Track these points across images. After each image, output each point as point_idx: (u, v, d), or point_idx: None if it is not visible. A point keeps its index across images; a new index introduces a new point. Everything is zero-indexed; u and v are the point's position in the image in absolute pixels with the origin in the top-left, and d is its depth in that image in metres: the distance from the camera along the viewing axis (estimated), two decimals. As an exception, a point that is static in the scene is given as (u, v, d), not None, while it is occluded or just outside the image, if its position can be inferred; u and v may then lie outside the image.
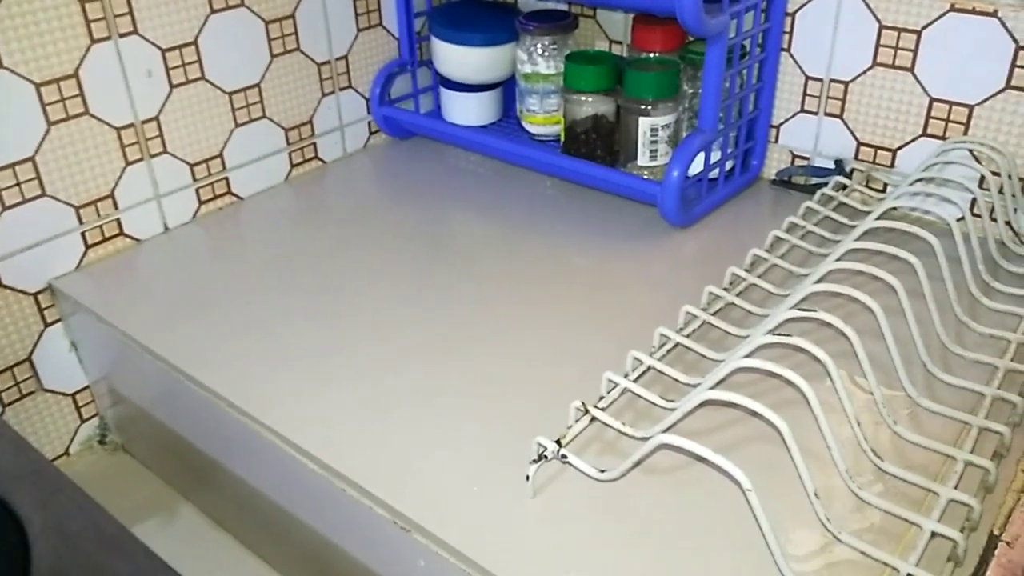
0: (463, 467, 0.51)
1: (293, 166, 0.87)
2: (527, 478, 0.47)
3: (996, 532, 0.46)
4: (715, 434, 0.52)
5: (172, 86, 0.74)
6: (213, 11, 0.75)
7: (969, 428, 0.50)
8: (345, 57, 0.88)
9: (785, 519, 0.46)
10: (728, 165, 0.79)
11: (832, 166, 0.78)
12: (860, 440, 0.46)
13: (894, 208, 0.74)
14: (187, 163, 0.77)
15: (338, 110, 0.89)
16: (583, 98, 0.79)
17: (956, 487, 0.46)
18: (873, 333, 0.50)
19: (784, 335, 0.46)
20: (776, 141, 0.82)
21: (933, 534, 0.43)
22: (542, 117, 0.86)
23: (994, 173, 0.66)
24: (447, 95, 0.91)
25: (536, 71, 0.84)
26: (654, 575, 0.44)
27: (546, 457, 0.47)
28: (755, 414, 0.42)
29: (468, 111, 0.90)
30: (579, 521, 0.47)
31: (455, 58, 0.87)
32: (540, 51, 0.83)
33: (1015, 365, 0.54)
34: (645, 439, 0.46)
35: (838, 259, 0.56)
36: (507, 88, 0.91)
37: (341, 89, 0.89)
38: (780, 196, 0.81)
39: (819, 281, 0.53)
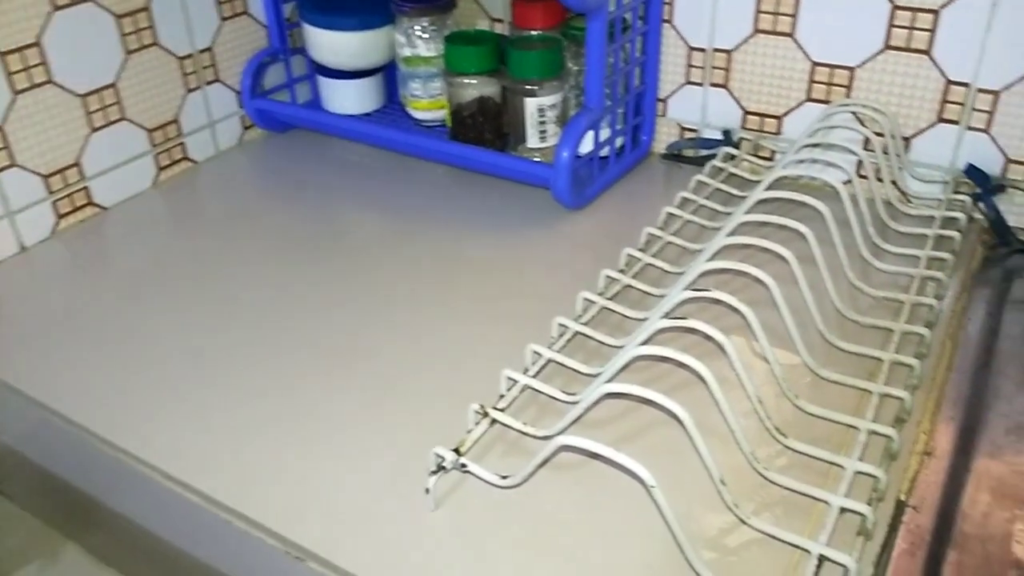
0: (360, 485, 0.48)
1: (160, 169, 0.81)
2: (427, 491, 0.44)
3: (903, 498, 0.46)
4: (619, 422, 0.51)
5: (15, 92, 0.67)
6: (56, 8, 0.68)
7: (870, 395, 0.50)
8: (210, 49, 0.82)
9: (695, 504, 0.45)
10: (618, 142, 0.77)
11: (721, 137, 0.78)
12: (763, 418, 0.45)
13: (784, 176, 0.74)
14: (40, 175, 0.71)
15: (206, 106, 0.83)
16: (466, 80, 0.75)
17: (861, 458, 0.45)
18: (770, 305, 0.49)
19: (679, 318, 0.45)
20: (664, 115, 0.80)
21: (842, 509, 0.42)
22: (427, 102, 0.82)
23: (877, 134, 0.67)
24: (324, 83, 0.86)
25: (416, 54, 0.80)
26: (565, 578, 0.42)
27: (444, 468, 0.44)
28: (653, 403, 0.40)
29: (348, 99, 0.86)
30: (486, 529, 0.45)
31: (329, 44, 0.82)
32: (419, 33, 0.79)
33: (909, 327, 0.54)
34: (547, 438, 0.44)
35: (729, 234, 0.54)
36: (389, 73, 0.87)
37: (208, 83, 0.83)
38: (672, 170, 0.80)
39: (712, 258, 0.52)
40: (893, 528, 0.45)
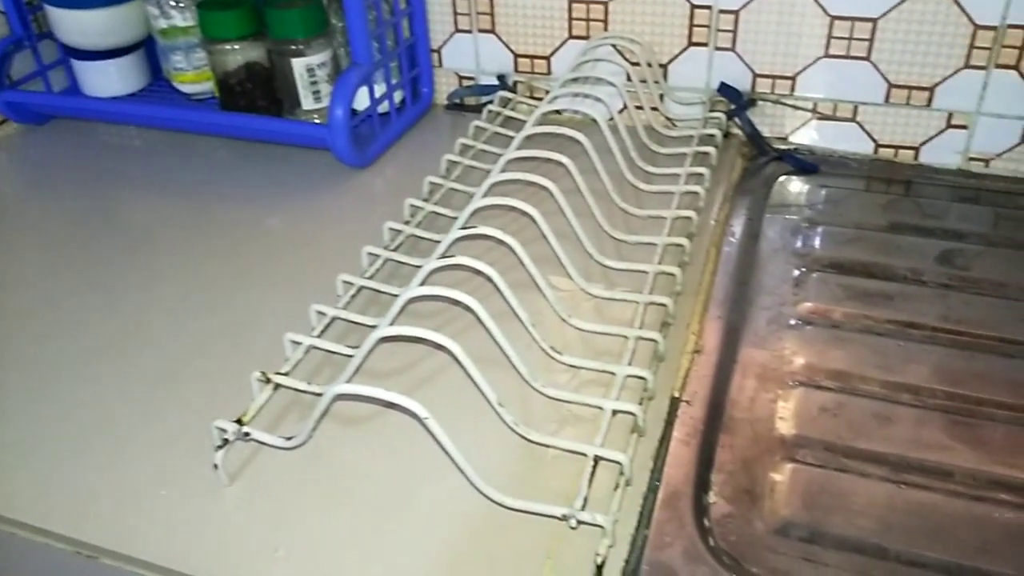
0: (151, 473, 0.46)
1: (-101, 177, 0.74)
2: (215, 467, 0.44)
3: (677, 395, 0.50)
4: (411, 371, 0.51)
5: None
6: None
7: (639, 306, 0.53)
8: (-62, 40, 0.75)
9: (489, 434, 0.46)
10: (398, 97, 0.77)
11: (496, 82, 0.79)
12: (537, 340, 0.47)
13: (557, 112, 0.77)
14: None
15: (-55, 103, 0.76)
16: (228, 47, 0.73)
17: (630, 363, 0.48)
18: (544, 236, 0.51)
19: (449, 256, 0.46)
20: (441, 65, 0.81)
21: (615, 412, 0.45)
22: (193, 74, 0.79)
23: (634, 64, 0.70)
24: (80, 67, 0.81)
25: (173, 25, 0.76)
26: (365, 529, 0.42)
27: (228, 440, 0.43)
28: (434, 343, 0.41)
29: (108, 81, 0.81)
30: (285, 494, 0.44)
31: (76, 24, 0.77)
32: (172, 2, 0.75)
33: (672, 239, 0.58)
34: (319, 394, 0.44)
35: (502, 171, 0.56)
36: (151, 47, 0.83)
37: (-58, 78, 0.76)
38: (457, 120, 0.81)
39: (485, 196, 0.53)
40: (669, 423, 0.48)
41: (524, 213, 0.50)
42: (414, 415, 0.38)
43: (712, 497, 0.45)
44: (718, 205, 0.67)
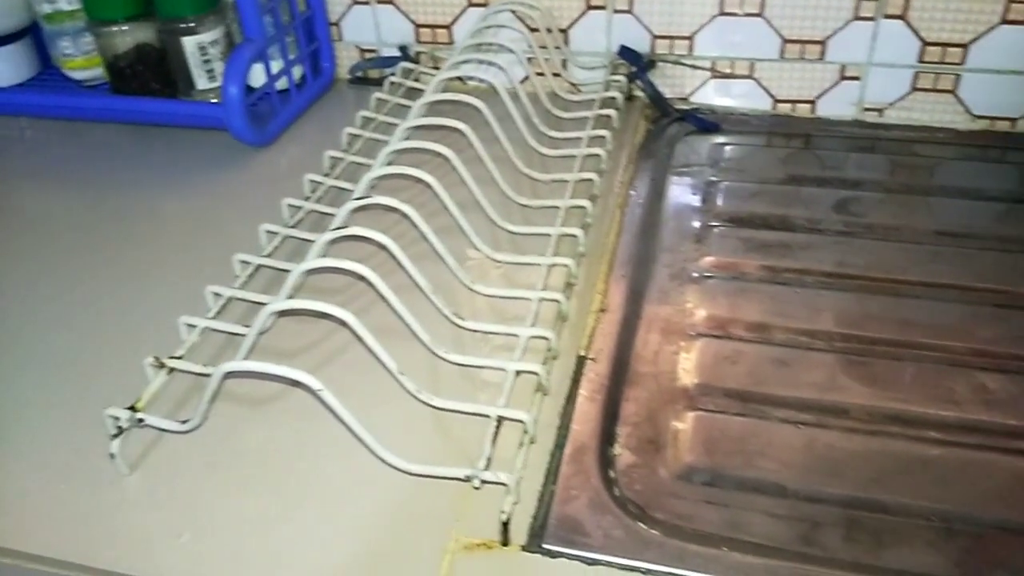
0: (47, 469, 0.44)
1: None
2: (112, 456, 0.43)
3: (583, 353, 0.51)
4: (317, 348, 0.51)
5: None
6: None
7: (543, 269, 0.54)
8: None
9: (399, 406, 0.46)
10: (297, 73, 0.76)
11: (399, 53, 0.78)
12: (439, 307, 0.46)
13: (462, 81, 0.76)
14: None
15: None
16: (116, 28, 0.70)
17: (534, 325, 0.48)
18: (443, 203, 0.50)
19: (343, 228, 0.45)
20: (341, 39, 0.80)
21: (518, 373, 0.45)
22: (82, 59, 0.76)
23: (533, 29, 0.70)
24: (-39, 57, 0.77)
25: (57, 9, 0.73)
26: (271, 509, 0.42)
27: (122, 428, 0.42)
28: (332, 317, 0.40)
29: (-8, 70, 0.77)
30: (188, 481, 0.43)
31: (-50, 11, 0.73)
32: (54, -15, 0.72)
33: (575, 202, 0.58)
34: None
35: (401, 141, 0.55)
36: (38, 34, 0.79)
37: None
38: (361, 94, 0.79)
39: (383, 166, 0.52)
40: (576, 381, 0.49)
41: (422, 182, 0.50)
42: (308, 388, 0.37)
43: (617, 449, 0.45)
44: (622, 167, 0.67)
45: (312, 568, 0.39)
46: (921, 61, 0.69)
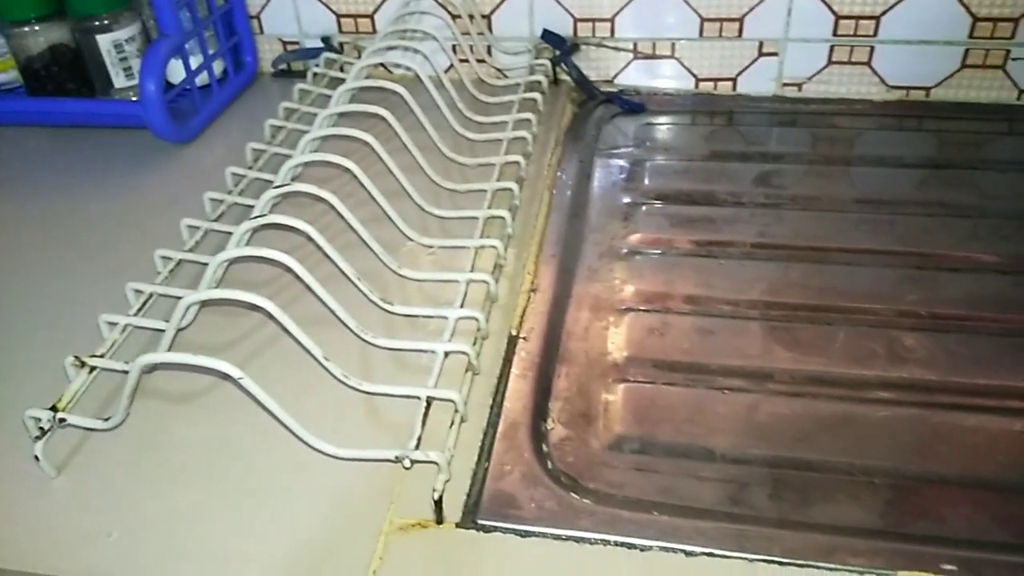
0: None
1: None
2: (36, 459, 0.42)
3: (515, 333, 0.51)
4: (246, 341, 0.50)
5: None
6: None
7: (471, 251, 0.54)
8: None
9: (332, 394, 0.45)
10: (219, 68, 0.74)
11: (322, 45, 0.78)
12: (365, 293, 0.46)
13: (385, 67, 0.76)
14: None
15: None
16: (27, 29, 0.68)
17: (461, 306, 0.49)
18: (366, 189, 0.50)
19: (262, 216, 0.45)
20: (262, 32, 0.79)
21: (447, 354, 0.45)
22: (-6, 62, 0.74)
23: (455, 16, 0.70)
24: None
25: (-37, 10, 0.71)
26: (203, 503, 0.41)
27: (44, 429, 0.41)
28: (249, 305, 0.40)
29: (-101, 76, 0.75)
30: (117, 479, 0.43)
31: None
32: (-43, -15, 0.70)
33: (501, 184, 0.59)
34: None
35: (325, 128, 0.55)
36: (-56, 39, 0.77)
37: None
38: (286, 88, 0.78)
39: (303, 154, 0.52)
40: (508, 360, 0.49)
41: (345, 169, 0.49)
42: (227, 376, 0.37)
43: (550, 424, 0.46)
44: (550, 150, 0.68)
45: (246, 559, 0.38)
46: (835, 34, 0.71)
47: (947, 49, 0.70)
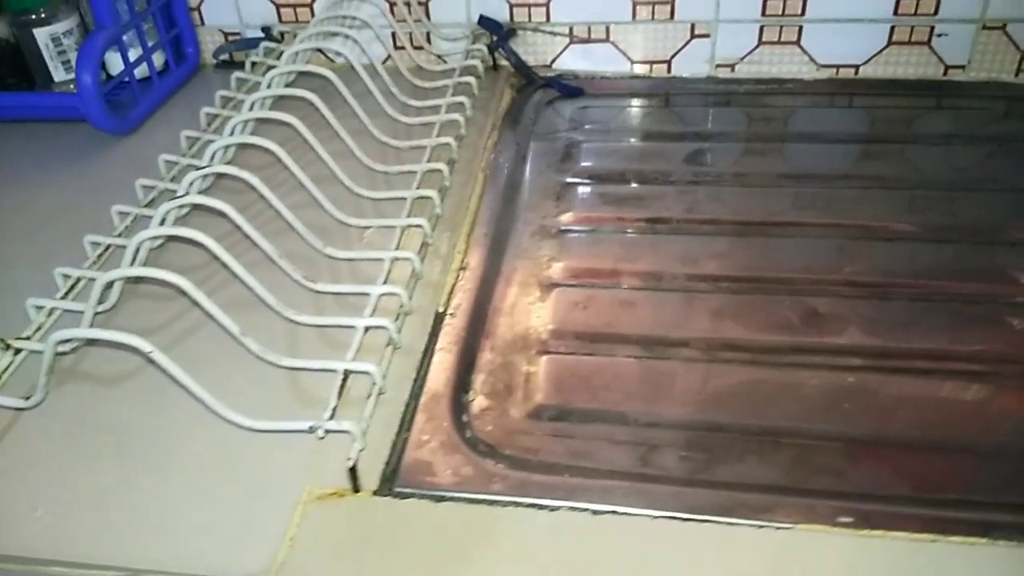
0: None
1: None
2: (-42, 440, 0.42)
3: (441, 310, 0.52)
4: (175, 324, 0.51)
5: None
6: None
7: (397, 230, 0.55)
8: None
9: (255, 372, 0.46)
10: (159, 59, 0.75)
11: (262, 35, 0.78)
12: (287, 272, 0.47)
13: (324, 55, 0.77)
14: None
15: None
16: (-38, 23, 0.69)
17: (385, 283, 0.50)
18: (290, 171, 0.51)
19: (182, 196, 0.45)
20: (203, 23, 0.79)
21: (367, 328, 0.46)
22: (-68, 58, 0.74)
23: (392, 3, 0.71)
24: None
25: (-101, 6, 0.71)
26: (128, 479, 0.42)
27: (-37, 409, 0.42)
28: (167, 283, 0.41)
29: None
30: (44, 459, 0.43)
31: None
32: None
33: (431, 165, 0.60)
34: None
35: (253, 113, 0.56)
36: None
37: None
38: (228, 77, 0.79)
39: (229, 136, 0.53)
40: (434, 337, 0.50)
41: (270, 152, 0.50)
42: (138, 350, 0.38)
43: (471, 395, 0.47)
44: (487, 134, 0.69)
45: (169, 532, 0.39)
46: (764, 14, 0.73)
47: (874, 27, 0.72)
